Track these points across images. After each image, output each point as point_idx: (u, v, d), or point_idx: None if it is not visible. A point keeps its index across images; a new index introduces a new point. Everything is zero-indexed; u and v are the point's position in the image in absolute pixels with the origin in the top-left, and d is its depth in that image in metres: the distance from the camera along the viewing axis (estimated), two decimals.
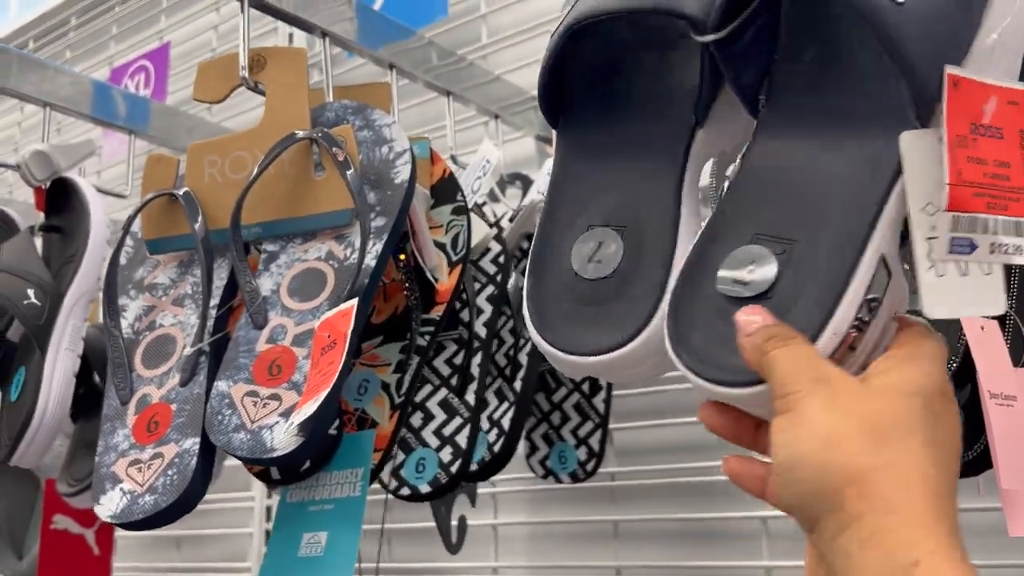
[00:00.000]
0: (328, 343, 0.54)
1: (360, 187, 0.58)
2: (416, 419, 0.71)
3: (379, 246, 0.58)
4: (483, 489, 0.97)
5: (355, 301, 0.54)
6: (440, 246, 0.68)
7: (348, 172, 0.58)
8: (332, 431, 0.60)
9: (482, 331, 0.73)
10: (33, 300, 0.70)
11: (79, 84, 0.89)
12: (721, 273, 0.39)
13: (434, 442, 0.70)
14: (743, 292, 0.38)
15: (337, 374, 0.51)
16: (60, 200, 0.79)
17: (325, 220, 0.60)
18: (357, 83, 0.71)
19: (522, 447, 0.86)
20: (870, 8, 0.36)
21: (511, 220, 0.82)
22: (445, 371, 0.72)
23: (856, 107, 0.41)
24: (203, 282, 0.60)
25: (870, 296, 0.36)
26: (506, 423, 0.74)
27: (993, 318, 0.52)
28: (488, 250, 0.78)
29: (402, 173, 0.61)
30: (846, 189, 0.38)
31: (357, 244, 0.58)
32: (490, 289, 0.76)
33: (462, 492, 0.89)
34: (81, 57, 1.70)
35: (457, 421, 0.70)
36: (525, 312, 0.43)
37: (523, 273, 0.78)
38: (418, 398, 0.72)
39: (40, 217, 0.80)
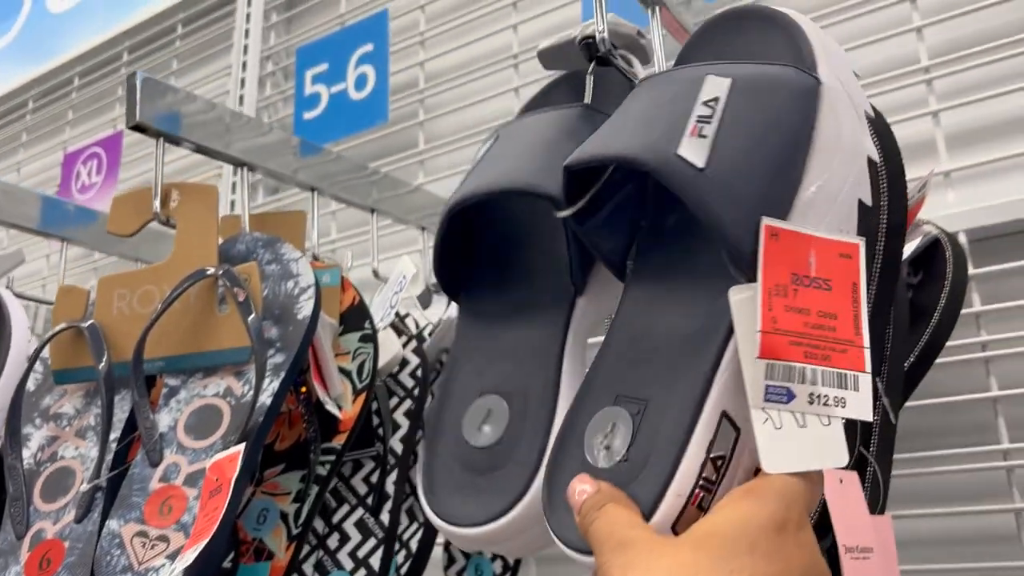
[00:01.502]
0: (215, 486, 0.55)
1: (258, 327, 0.60)
2: (333, 541, 0.72)
3: (276, 383, 0.59)
4: None
5: (243, 445, 0.55)
6: (346, 373, 0.69)
7: (248, 313, 0.60)
8: (227, 564, 0.61)
9: (399, 448, 0.74)
10: None
11: (11, 194, 0.91)
12: (587, 438, 0.39)
13: (349, 564, 0.71)
14: (605, 456, 0.38)
15: (219, 521, 0.52)
16: None
17: (225, 356, 0.62)
18: (274, 211, 0.73)
19: (439, 556, 0.87)
20: (671, 176, 0.38)
21: (430, 334, 0.84)
22: (362, 489, 0.73)
23: (703, 267, 0.42)
24: (103, 417, 0.61)
25: (715, 454, 0.36)
26: (414, 544, 0.74)
27: (852, 468, 0.54)
28: (406, 363, 0.80)
29: (305, 308, 0.63)
30: (689, 346, 0.39)
31: (264, 382, 0.60)
32: (408, 404, 0.77)
33: None
34: (36, 140, 1.72)
35: (372, 542, 0.71)
36: (419, 486, 0.44)
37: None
38: (335, 518, 0.73)
39: None
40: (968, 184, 0.81)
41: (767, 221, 0.36)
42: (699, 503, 0.36)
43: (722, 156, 0.37)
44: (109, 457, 0.60)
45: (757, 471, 0.38)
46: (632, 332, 0.43)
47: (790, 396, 0.35)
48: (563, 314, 0.46)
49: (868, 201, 0.40)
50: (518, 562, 0.84)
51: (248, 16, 1.39)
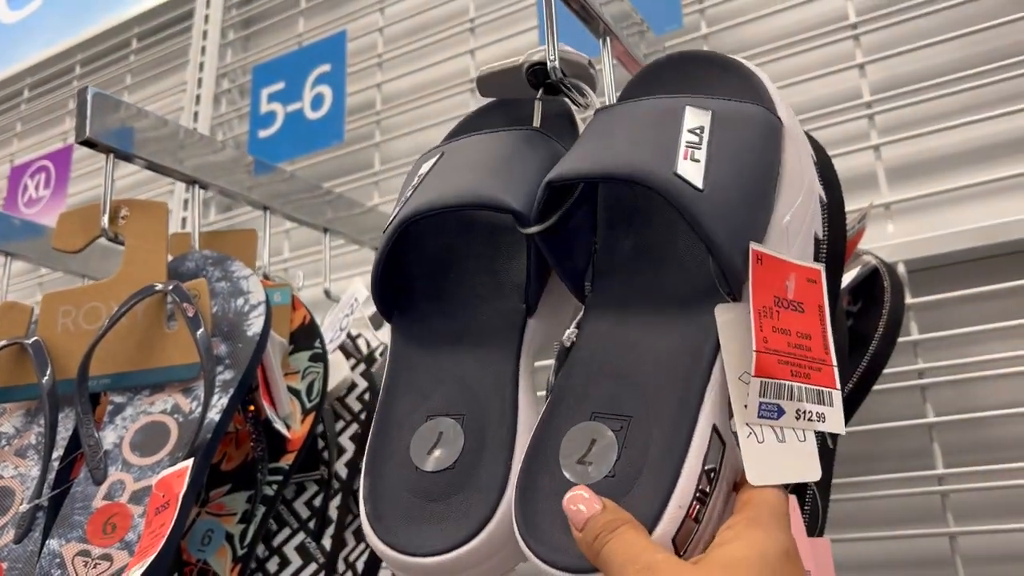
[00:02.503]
0: (162, 502, 0.54)
1: (207, 343, 0.60)
2: (272, 564, 0.71)
3: (224, 400, 0.59)
4: None
5: (190, 461, 0.55)
6: (295, 392, 0.69)
7: (197, 328, 0.60)
8: None
9: (344, 472, 0.74)
10: None
11: None
12: (562, 456, 0.39)
13: None
14: (588, 472, 0.38)
15: (166, 537, 0.51)
16: None
17: (173, 373, 0.61)
18: (225, 229, 0.73)
19: None
20: (676, 195, 0.38)
21: (382, 355, 0.84)
22: (304, 513, 0.73)
23: (676, 286, 0.43)
24: (46, 435, 0.60)
25: (708, 466, 0.37)
26: (360, 565, 0.74)
27: (793, 491, 0.55)
28: (355, 386, 0.80)
29: (255, 326, 0.63)
30: (675, 363, 0.40)
31: (212, 398, 0.59)
32: (354, 428, 0.77)
33: None
34: None
35: (312, 567, 0.70)
36: (362, 514, 0.42)
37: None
38: (276, 542, 0.72)
39: None
40: (908, 216, 0.83)
41: (754, 246, 0.38)
42: (696, 515, 0.37)
43: (715, 180, 0.39)
44: (51, 476, 0.59)
45: (736, 485, 0.39)
46: (601, 352, 0.43)
47: (780, 412, 0.37)
48: (515, 335, 0.46)
49: (821, 235, 0.43)
50: None
51: (205, 33, 1.39)
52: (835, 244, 0.55)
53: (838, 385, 0.38)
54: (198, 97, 1.34)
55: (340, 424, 0.77)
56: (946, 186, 0.81)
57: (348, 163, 1.19)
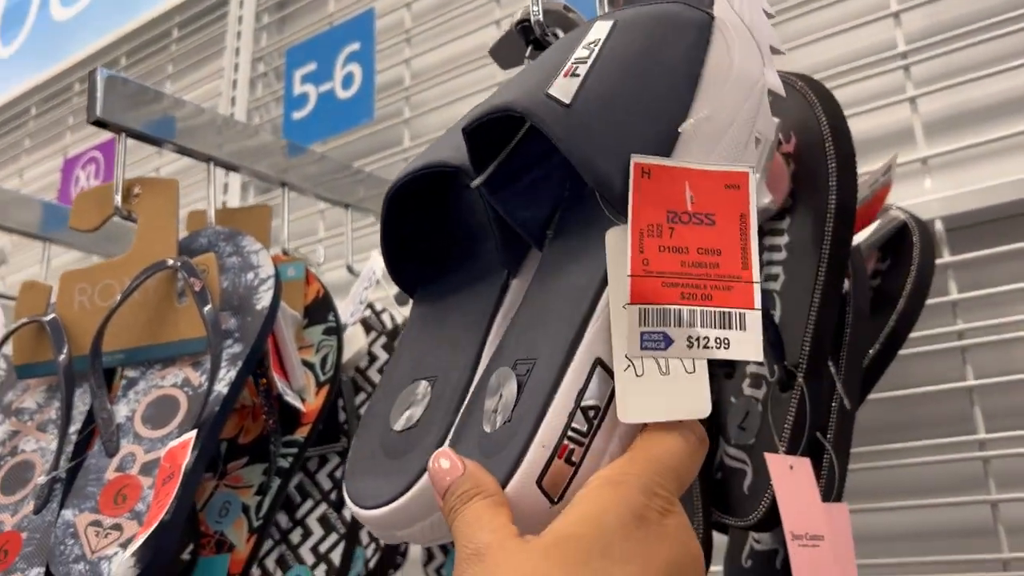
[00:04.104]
0: (168, 473, 0.55)
1: (215, 317, 0.60)
2: (295, 535, 0.72)
3: (232, 373, 0.60)
4: None
5: (194, 432, 0.55)
6: (309, 366, 0.69)
7: (204, 303, 0.60)
8: (186, 555, 0.61)
9: None
10: None
11: (12, 200, 0.92)
12: (485, 407, 0.37)
13: (310, 559, 0.71)
14: (495, 420, 0.36)
15: (167, 505, 0.52)
16: None
17: (183, 347, 0.62)
18: (240, 207, 0.74)
19: (418, 553, 0.87)
20: (540, 116, 0.36)
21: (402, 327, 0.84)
22: (327, 485, 0.73)
23: (603, 224, 0.40)
24: (63, 410, 0.61)
25: (586, 403, 0.33)
26: None
27: (808, 455, 0.53)
28: (375, 358, 0.80)
29: (264, 299, 0.63)
30: (573, 297, 0.37)
31: (219, 372, 0.60)
32: None
33: None
34: (39, 146, 1.74)
35: (333, 537, 0.71)
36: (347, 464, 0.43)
37: None
38: (299, 514, 0.73)
39: None
40: (946, 171, 0.79)
41: (637, 158, 0.34)
42: (567, 456, 0.33)
43: (591, 91, 0.36)
44: (69, 449, 0.61)
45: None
46: (536, 297, 0.41)
47: (668, 341, 0.32)
48: (494, 297, 0.45)
49: (770, 135, 0.38)
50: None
51: (240, 19, 1.40)
52: (844, 192, 0.53)
53: (756, 304, 0.33)
54: (235, 82, 1.35)
55: (361, 396, 0.77)
56: (985, 138, 0.77)
57: (379, 141, 1.19)
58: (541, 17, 0.46)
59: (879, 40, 0.84)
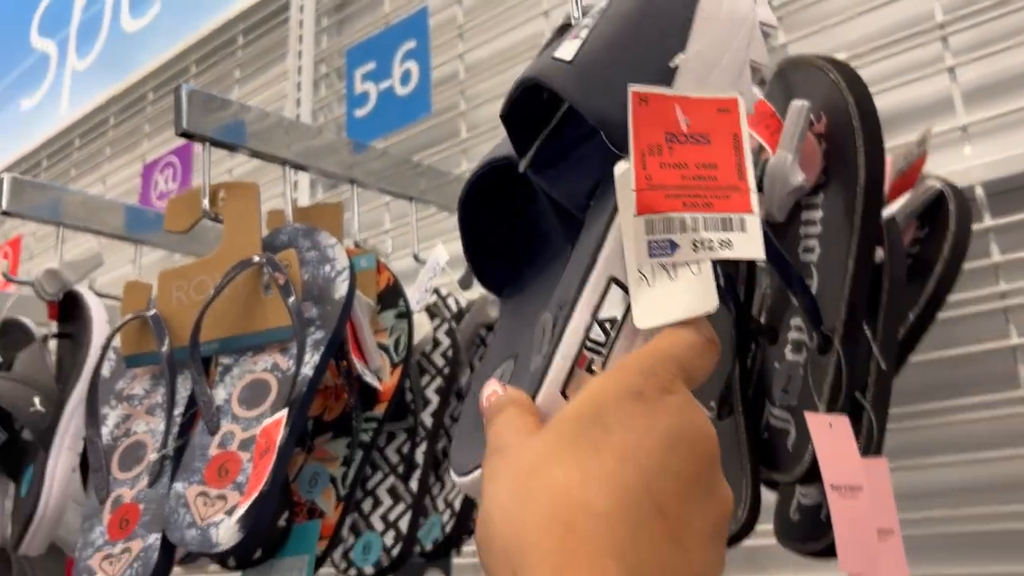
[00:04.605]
0: (264, 448, 0.61)
1: (298, 307, 0.67)
2: (367, 504, 0.79)
3: (316, 357, 0.66)
4: (463, 560, 1.03)
5: (285, 411, 0.62)
6: (384, 348, 0.75)
7: (288, 295, 0.67)
8: (282, 522, 0.68)
9: (429, 421, 0.80)
10: (38, 407, 0.80)
11: (98, 205, 1.00)
12: (532, 348, 0.40)
13: (380, 526, 0.78)
14: (531, 360, 0.38)
15: (265, 477, 0.59)
16: (71, 310, 0.90)
17: (271, 335, 0.68)
18: (315, 205, 0.80)
19: None
20: (548, 77, 0.39)
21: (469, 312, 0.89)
22: (395, 459, 0.80)
23: None
24: (167, 395, 0.68)
25: (603, 317, 0.36)
26: (458, 503, 0.80)
27: (847, 414, 0.57)
28: (438, 343, 0.85)
29: (341, 289, 0.69)
30: (593, 238, 0.40)
31: (304, 356, 0.66)
32: (438, 381, 0.83)
33: (436, 568, 0.95)
34: (119, 153, 1.85)
35: (401, 507, 0.77)
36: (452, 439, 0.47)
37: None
38: (370, 485, 0.79)
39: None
40: (985, 138, 0.81)
41: (634, 87, 0.36)
42: (588, 366, 0.35)
43: (591, 47, 0.39)
44: (175, 429, 0.68)
45: None
46: (576, 253, 0.43)
47: (673, 247, 0.35)
48: (561, 272, 0.49)
49: (763, 61, 0.40)
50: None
51: (301, 23, 1.47)
52: (872, 165, 0.56)
53: (753, 209, 0.35)
54: (299, 84, 1.42)
55: (426, 378, 0.83)
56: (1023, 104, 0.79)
57: (437, 134, 1.24)
58: (579, 14, 0.51)
59: (917, 12, 0.87)
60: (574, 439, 0.30)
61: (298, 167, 0.82)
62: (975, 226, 0.76)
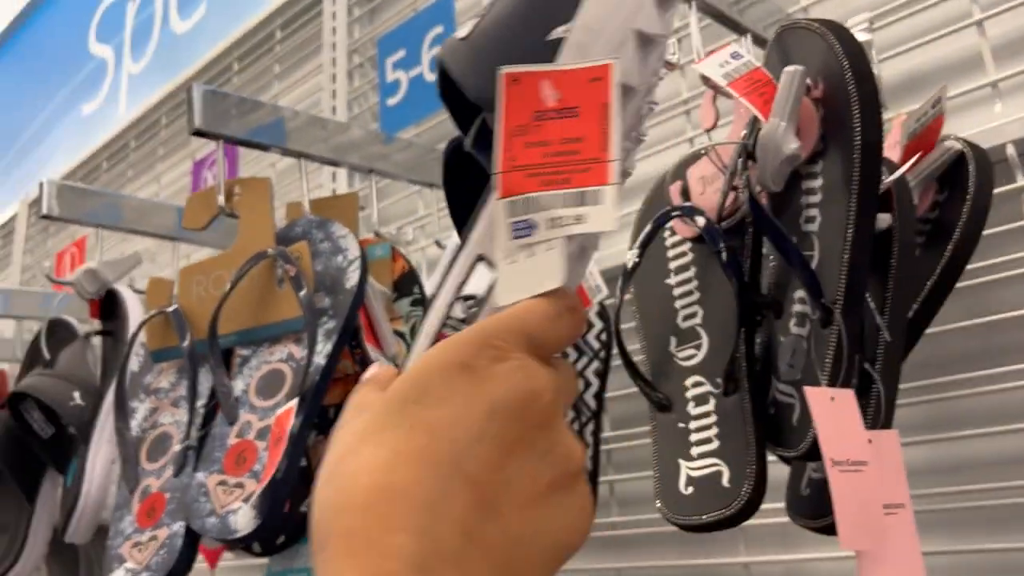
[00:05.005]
0: (277, 437, 0.63)
1: (309, 298, 0.68)
2: None
3: (329, 346, 0.67)
4: None
5: (295, 400, 0.63)
6: (400, 335, 0.76)
7: (299, 287, 0.68)
8: (304, 508, 0.70)
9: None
10: (78, 401, 0.84)
11: (150, 207, 1.04)
12: None
13: None
14: None
15: (277, 465, 0.60)
16: (112, 308, 0.93)
17: (285, 327, 0.70)
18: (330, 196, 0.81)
19: None
20: (444, 56, 0.39)
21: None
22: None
23: None
24: (189, 387, 0.71)
25: (466, 293, 0.37)
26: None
27: (855, 385, 0.56)
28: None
29: (352, 279, 0.70)
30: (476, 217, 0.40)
31: (316, 346, 0.67)
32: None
33: None
34: (171, 152, 1.90)
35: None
36: None
37: None
38: None
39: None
40: (1016, 94, 0.78)
41: (505, 69, 0.36)
42: None
43: (485, 24, 0.39)
44: (198, 420, 0.70)
45: None
46: None
47: (533, 227, 0.35)
48: None
49: (651, 31, 0.38)
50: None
51: (334, 15, 1.48)
52: (869, 130, 0.54)
53: (611, 179, 0.35)
54: (333, 76, 1.44)
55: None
56: None
57: None
58: None
59: None
60: (390, 417, 0.30)
61: (324, 161, 0.84)
62: (1007, 187, 0.73)
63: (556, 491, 0.30)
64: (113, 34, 2.40)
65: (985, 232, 0.70)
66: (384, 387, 0.32)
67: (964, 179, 0.66)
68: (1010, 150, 0.75)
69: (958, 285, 0.71)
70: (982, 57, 0.79)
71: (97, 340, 0.95)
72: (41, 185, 0.94)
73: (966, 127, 0.75)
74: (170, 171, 1.88)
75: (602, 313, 0.83)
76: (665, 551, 0.93)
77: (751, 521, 0.84)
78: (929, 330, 0.71)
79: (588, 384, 0.87)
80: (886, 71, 0.85)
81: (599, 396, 0.87)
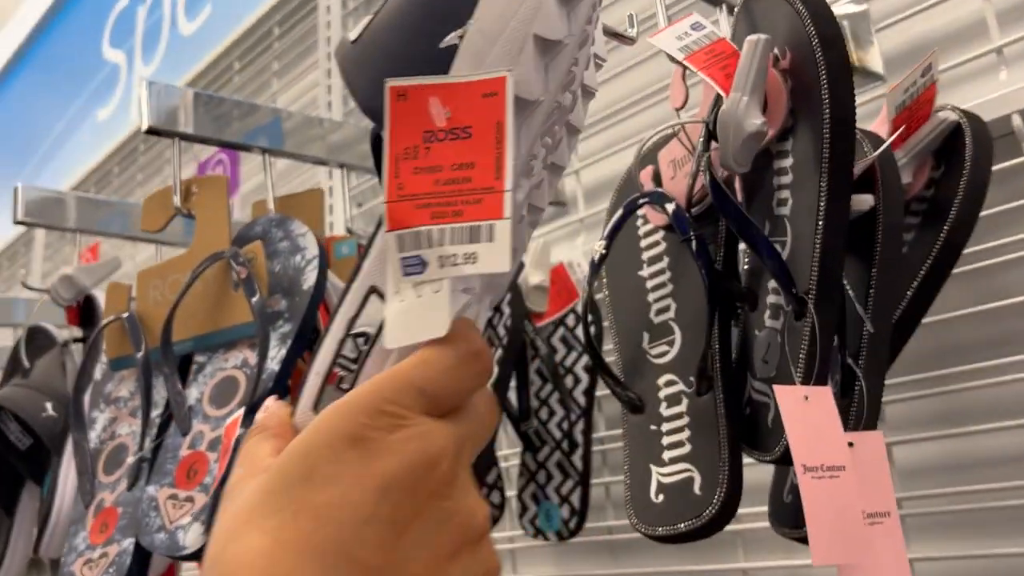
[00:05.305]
0: (226, 447, 0.60)
1: (261, 303, 0.64)
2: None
3: (283, 351, 0.64)
4: (500, 546, 1.00)
5: (243, 410, 0.60)
6: (364, 335, 0.73)
7: (252, 291, 0.64)
8: None
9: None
10: (50, 412, 0.81)
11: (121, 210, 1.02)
12: None
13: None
14: None
15: (220, 479, 0.57)
16: (90, 315, 0.91)
17: (239, 331, 0.66)
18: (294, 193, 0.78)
19: (515, 505, 0.90)
20: (339, 59, 0.36)
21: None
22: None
23: None
24: (143, 396, 0.68)
25: (357, 330, 0.34)
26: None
27: (843, 383, 0.51)
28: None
29: (310, 279, 0.66)
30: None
31: (268, 352, 0.64)
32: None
33: None
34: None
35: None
36: None
37: None
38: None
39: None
40: (1022, 61, 0.72)
41: (391, 82, 0.32)
42: (338, 383, 0.34)
43: (375, 24, 0.35)
44: (152, 431, 0.67)
45: None
46: None
47: (423, 264, 0.32)
48: None
49: (552, 35, 0.34)
50: (584, 506, 0.85)
51: (328, 8, 1.45)
52: (838, 106, 0.49)
53: (505, 213, 0.31)
54: (329, 71, 1.41)
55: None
56: None
57: None
58: None
59: None
60: (274, 497, 0.28)
61: (270, 152, 0.81)
62: (1014, 160, 0.68)
63: (459, 557, 0.29)
64: (125, 38, 2.40)
65: (994, 210, 0.65)
66: (272, 434, 0.31)
67: (961, 153, 0.60)
68: (1016, 121, 0.69)
69: (966, 269, 0.66)
70: (986, 23, 0.73)
71: (77, 347, 0.93)
72: (16, 191, 0.93)
73: (969, 98, 0.69)
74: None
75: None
76: (662, 556, 0.88)
77: (749, 526, 0.80)
78: (936, 318, 0.66)
79: (577, 380, 0.85)
80: (885, 41, 0.80)
81: (589, 393, 0.84)
